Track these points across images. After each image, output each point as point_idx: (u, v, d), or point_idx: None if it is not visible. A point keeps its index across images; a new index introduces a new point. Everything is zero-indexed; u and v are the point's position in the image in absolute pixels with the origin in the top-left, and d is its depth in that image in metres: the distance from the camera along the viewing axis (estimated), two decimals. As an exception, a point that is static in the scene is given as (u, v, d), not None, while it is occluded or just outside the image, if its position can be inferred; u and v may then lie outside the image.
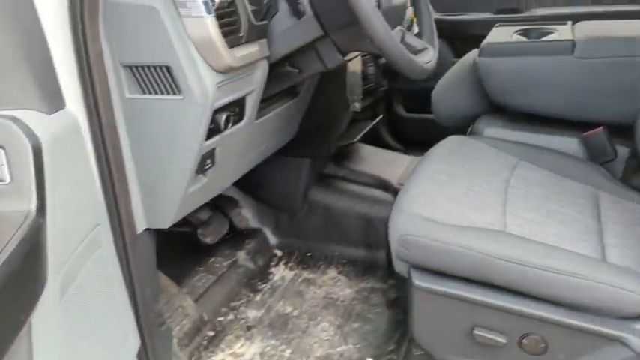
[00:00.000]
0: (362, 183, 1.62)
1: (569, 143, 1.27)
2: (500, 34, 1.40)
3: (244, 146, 1.11)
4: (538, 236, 0.93)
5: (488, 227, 0.93)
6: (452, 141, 1.26)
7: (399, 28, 1.10)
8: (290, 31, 1.00)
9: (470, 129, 1.39)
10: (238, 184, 1.59)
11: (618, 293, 0.81)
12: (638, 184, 1.23)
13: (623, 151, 1.24)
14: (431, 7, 2.28)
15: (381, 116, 1.79)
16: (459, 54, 2.30)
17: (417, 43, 1.10)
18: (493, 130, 1.34)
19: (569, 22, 1.45)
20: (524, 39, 1.36)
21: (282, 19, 0.99)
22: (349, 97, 1.35)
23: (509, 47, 1.27)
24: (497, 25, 1.53)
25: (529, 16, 2.14)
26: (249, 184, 1.58)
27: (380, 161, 1.74)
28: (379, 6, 0.96)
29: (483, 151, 1.21)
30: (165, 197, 0.94)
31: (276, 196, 1.59)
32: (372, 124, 1.69)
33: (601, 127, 1.21)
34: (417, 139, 2.08)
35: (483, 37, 1.59)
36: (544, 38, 1.33)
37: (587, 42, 1.21)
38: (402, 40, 1.10)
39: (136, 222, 0.92)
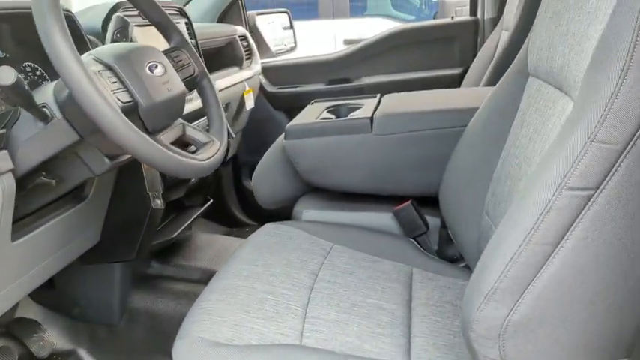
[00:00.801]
0: (191, 280, 1.47)
1: (383, 219, 1.24)
2: (311, 113, 1.37)
3: (2, 273, 0.93)
4: (337, 340, 0.85)
5: (280, 341, 0.83)
6: (266, 231, 1.18)
7: (179, 121, 1.01)
8: (38, 138, 0.86)
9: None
10: (41, 302, 1.37)
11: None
12: (453, 254, 1.22)
13: (435, 222, 1.23)
14: (263, 81, 2.29)
15: (210, 201, 1.67)
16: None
17: (200, 136, 1.01)
18: (311, 212, 1.28)
19: (378, 95, 1.47)
20: (332, 117, 1.34)
21: (26, 125, 0.85)
22: (149, 193, 1.22)
23: (313, 128, 1.24)
24: (313, 102, 1.51)
25: (357, 85, 2.21)
26: (55, 299, 1.37)
27: (214, 250, 1.61)
28: (137, 105, 0.86)
29: (297, 240, 1.13)
30: None
31: (89, 309, 1.38)
32: (197, 213, 1.56)
33: (409, 201, 1.20)
34: (268, 211, 2.01)
35: None
36: (350, 115, 1.32)
37: (383, 118, 1.21)
38: (184, 135, 1.00)
39: None
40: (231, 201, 2.29)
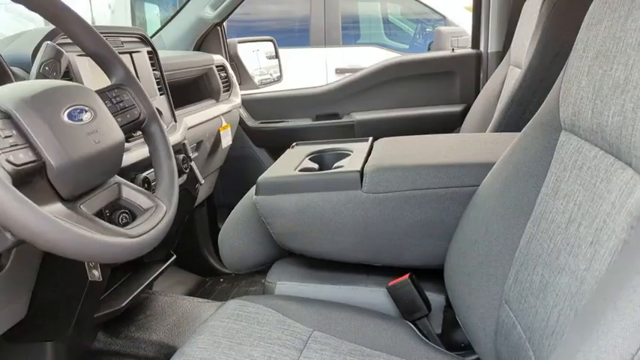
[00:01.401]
0: (144, 357, 1.23)
1: (375, 295, 1.01)
2: (289, 160, 1.15)
3: None
4: None
5: None
6: (229, 310, 0.95)
7: (114, 180, 0.78)
8: None
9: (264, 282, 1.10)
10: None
11: None
12: (461, 340, 0.99)
13: (438, 299, 1.01)
14: (244, 115, 2.08)
15: (174, 257, 1.44)
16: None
17: (141, 199, 0.79)
18: (287, 285, 1.05)
19: (370, 139, 1.26)
20: (314, 166, 1.12)
21: None
22: (85, 262, 0.99)
23: (289, 182, 1.02)
24: (294, 145, 1.30)
25: (346, 122, 2.00)
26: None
27: (175, 317, 1.37)
28: (44, 166, 0.63)
29: (266, 326, 0.90)
30: None
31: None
32: (157, 273, 1.33)
33: (407, 275, 0.98)
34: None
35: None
36: (335, 164, 1.10)
37: (376, 173, 0.99)
38: (119, 198, 0.78)
39: None
40: (206, 247, 2.05)
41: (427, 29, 5.44)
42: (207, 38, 1.96)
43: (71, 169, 0.66)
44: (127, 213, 0.92)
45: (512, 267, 0.79)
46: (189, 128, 1.50)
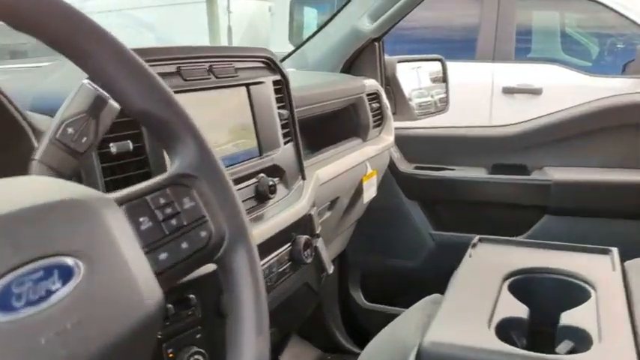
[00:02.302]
0: None
1: None
2: (474, 287, 0.67)
3: None
4: None
5: None
6: None
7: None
8: None
9: None
10: None
11: None
12: None
13: None
14: (395, 156, 1.62)
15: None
16: (441, 225, 1.60)
17: None
18: None
19: (616, 255, 0.73)
20: (520, 310, 0.62)
21: None
22: None
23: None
24: (477, 241, 0.81)
25: (538, 181, 1.44)
26: None
27: None
28: None
29: None
30: None
31: None
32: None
33: None
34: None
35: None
36: (564, 320, 0.59)
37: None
38: None
39: None
40: (332, 316, 1.64)
41: (618, 45, 4.49)
42: (361, 56, 1.54)
43: None
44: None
45: None
46: (321, 184, 1.09)
